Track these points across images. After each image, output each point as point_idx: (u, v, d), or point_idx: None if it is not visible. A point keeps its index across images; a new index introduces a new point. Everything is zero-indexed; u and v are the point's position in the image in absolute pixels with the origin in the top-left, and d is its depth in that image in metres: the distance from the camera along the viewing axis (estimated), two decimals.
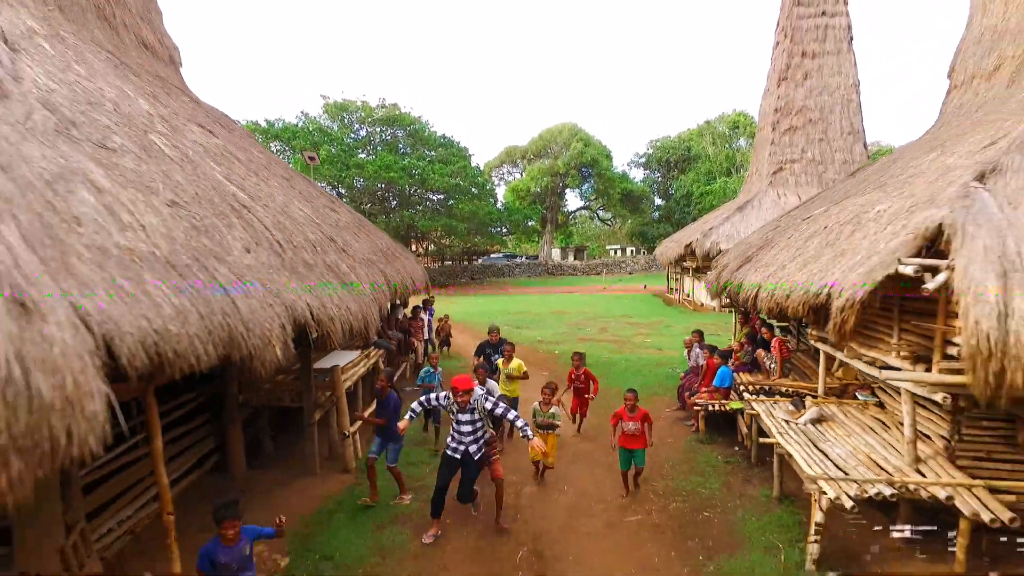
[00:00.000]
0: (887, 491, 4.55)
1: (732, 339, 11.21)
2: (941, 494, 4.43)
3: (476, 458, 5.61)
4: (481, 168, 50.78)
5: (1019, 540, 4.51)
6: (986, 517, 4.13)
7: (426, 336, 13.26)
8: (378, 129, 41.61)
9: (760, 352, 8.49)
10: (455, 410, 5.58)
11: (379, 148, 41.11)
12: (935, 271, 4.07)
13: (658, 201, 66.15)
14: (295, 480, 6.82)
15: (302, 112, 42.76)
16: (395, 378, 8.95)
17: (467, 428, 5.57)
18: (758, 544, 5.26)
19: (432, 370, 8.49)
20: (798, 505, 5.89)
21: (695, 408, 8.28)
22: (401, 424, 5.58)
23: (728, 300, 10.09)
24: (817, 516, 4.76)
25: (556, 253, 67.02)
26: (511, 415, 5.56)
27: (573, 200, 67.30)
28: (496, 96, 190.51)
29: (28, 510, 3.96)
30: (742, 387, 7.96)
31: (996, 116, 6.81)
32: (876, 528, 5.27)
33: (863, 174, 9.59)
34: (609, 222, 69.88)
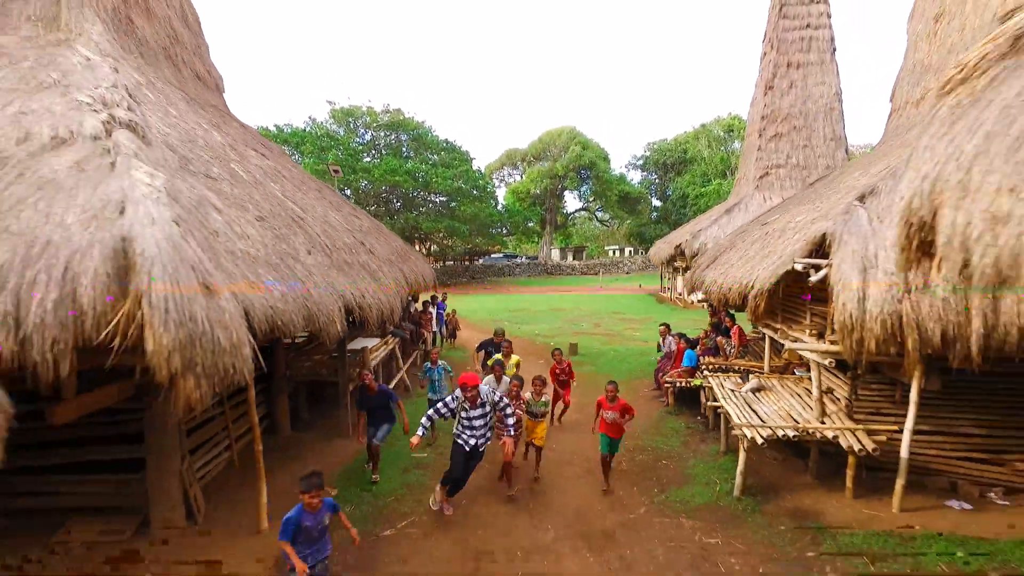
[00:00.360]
0: (791, 433, 6.05)
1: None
2: (830, 435, 5.94)
3: (481, 451, 6.13)
4: (482, 171, 52.33)
5: (884, 475, 6.05)
6: (857, 447, 5.64)
7: (435, 328, 14.77)
8: (383, 133, 43.16)
9: (721, 339, 9.99)
10: (467, 407, 5.93)
11: (384, 152, 42.65)
12: (818, 268, 5.56)
13: (656, 202, 67.57)
14: (332, 440, 8.31)
15: (310, 118, 44.35)
16: (404, 368, 10.36)
17: (479, 422, 5.97)
18: (701, 481, 6.77)
19: (431, 366, 8.53)
20: (738, 456, 7.38)
21: (666, 385, 9.77)
22: (414, 440, 5.72)
23: (702, 295, 11.61)
24: (741, 455, 6.26)
25: (556, 253, 68.46)
26: (510, 418, 6.12)
27: (572, 202, 68.86)
28: (497, 100, 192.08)
29: (158, 443, 5.48)
30: (704, 367, 9.46)
31: (907, 141, 8.30)
32: (792, 470, 6.79)
33: (814, 186, 11.09)
34: (607, 223, 71.30)
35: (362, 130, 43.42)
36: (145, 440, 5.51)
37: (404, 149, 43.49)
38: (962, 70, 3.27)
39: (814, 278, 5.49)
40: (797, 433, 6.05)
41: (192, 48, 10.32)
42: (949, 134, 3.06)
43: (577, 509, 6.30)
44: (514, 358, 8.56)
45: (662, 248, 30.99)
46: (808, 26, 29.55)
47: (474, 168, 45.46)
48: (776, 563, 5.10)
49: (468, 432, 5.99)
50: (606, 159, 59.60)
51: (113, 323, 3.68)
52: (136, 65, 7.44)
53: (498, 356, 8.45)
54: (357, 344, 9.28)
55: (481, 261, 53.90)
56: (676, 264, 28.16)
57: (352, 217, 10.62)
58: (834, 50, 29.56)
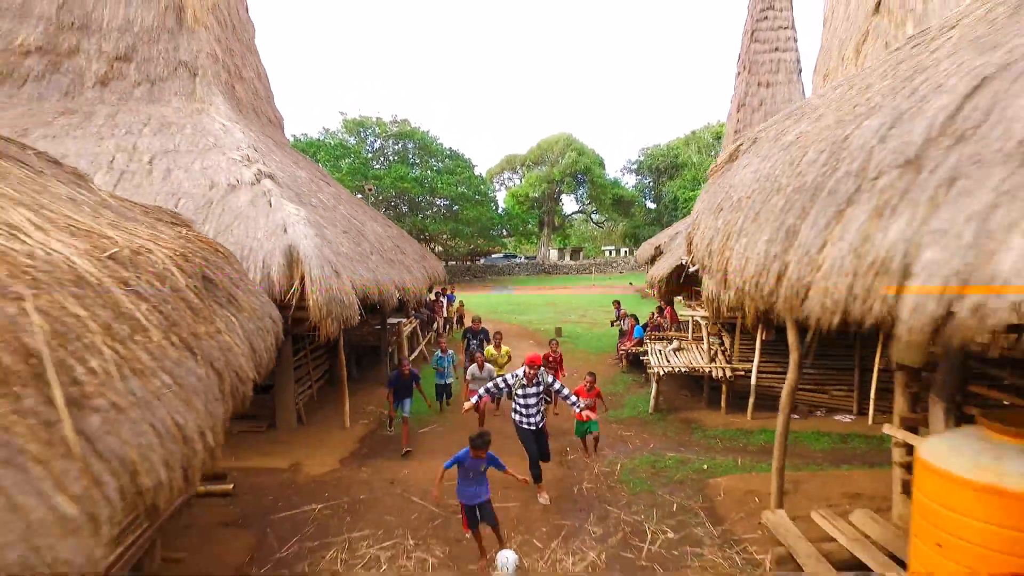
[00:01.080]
0: (683, 369, 9.37)
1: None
2: (707, 370, 9.25)
3: (542, 426, 6.53)
4: (484, 175, 55.71)
5: (747, 400, 9.34)
6: (719, 376, 8.96)
7: (444, 315, 18.09)
8: (391, 142, 46.52)
9: (659, 318, 13.31)
10: (524, 384, 6.32)
11: (392, 159, 46.03)
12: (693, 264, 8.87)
13: (650, 205, 70.74)
14: (376, 388, 11.60)
15: (324, 128, 47.64)
16: (423, 342, 13.64)
17: (533, 400, 6.36)
18: (630, 406, 10.09)
19: (442, 355, 9.49)
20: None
21: (621, 353, 13.06)
22: (467, 406, 6.25)
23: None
24: (654, 386, 9.58)
25: (554, 254, 71.85)
26: (564, 390, 6.56)
27: (569, 204, 72.30)
28: (498, 107, 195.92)
29: (282, 374, 8.78)
30: (647, 339, 12.78)
31: None
32: (693, 400, 10.11)
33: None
34: (603, 225, 74.51)
35: (372, 139, 46.81)
36: (273, 373, 8.82)
37: (411, 156, 46.86)
38: (717, 163, 6.57)
39: (691, 268, 8.80)
40: (686, 369, 9.37)
41: (265, 98, 13.65)
42: (703, 195, 6.33)
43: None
44: (504, 348, 9.63)
45: (646, 249, 34.25)
46: (776, 49, 32.70)
47: (476, 174, 48.86)
48: (664, 442, 8.41)
49: (524, 411, 6.38)
50: (601, 164, 62.85)
51: (290, 292, 7.00)
52: (244, 122, 10.77)
53: (490, 348, 9.53)
54: (392, 320, 12.61)
55: (482, 261, 57.18)
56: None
57: (385, 226, 13.95)
58: (800, 71, 32.79)
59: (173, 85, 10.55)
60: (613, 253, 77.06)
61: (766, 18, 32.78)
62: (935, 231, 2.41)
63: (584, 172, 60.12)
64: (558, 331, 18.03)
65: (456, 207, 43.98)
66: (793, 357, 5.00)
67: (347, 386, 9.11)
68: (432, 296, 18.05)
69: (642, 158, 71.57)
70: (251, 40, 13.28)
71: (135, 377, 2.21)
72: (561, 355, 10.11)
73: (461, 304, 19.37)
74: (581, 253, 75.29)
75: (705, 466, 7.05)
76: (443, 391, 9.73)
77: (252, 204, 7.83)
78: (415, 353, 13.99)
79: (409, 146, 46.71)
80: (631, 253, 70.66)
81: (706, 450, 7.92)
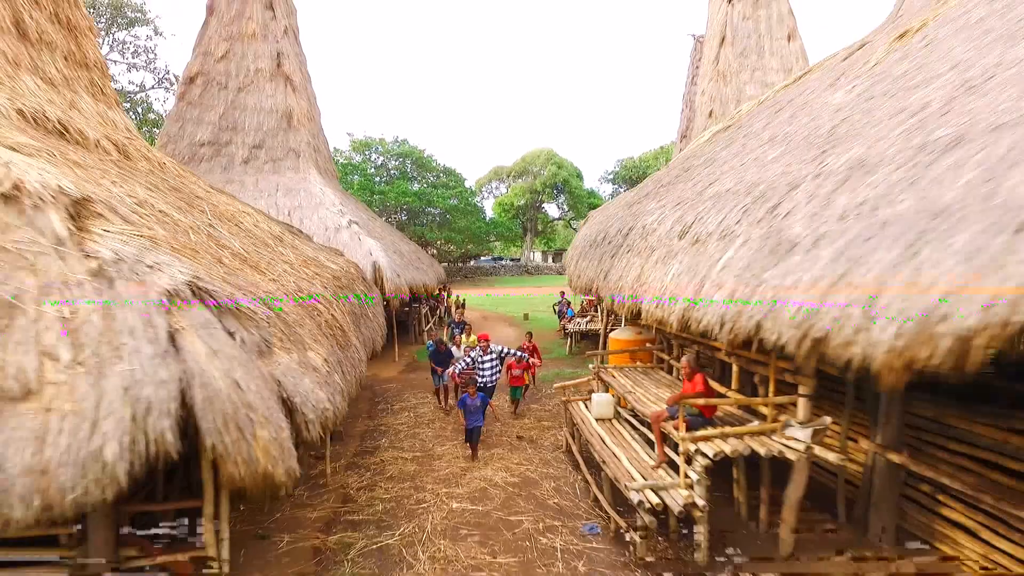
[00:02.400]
0: (584, 328, 16.62)
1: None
2: (587, 328, 16.53)
3: (491, 386, 9.35)
4: (473, 186, 62.89)
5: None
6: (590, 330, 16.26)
7: (445, 304, 25.23)
8: (393, 161, 53.52)
9: (587, 304, 20.57)
10: (481, 354, 9.23)
11: (393, 174, 52.98)
12: None
13: None
14: (407, 343, 18.70)
15: (334, 148, 54.49)
16: (431, 322, 20.78)
17: (488, 366, 9.22)
18: (556, 351, 17.33)
19: (433, 345, 11.29)
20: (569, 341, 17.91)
21: (561, 326, 20.29)
22: (450, 371, 9.40)
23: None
24: (568, 340, 16.81)
25: (538, 256, 79.31)
26: (510, 351, 9.78)
27: (552, 210, 79.79)
28: (487, 119, 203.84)
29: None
30: (576, 316, 19.99)
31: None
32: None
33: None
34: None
35: (375, 156, 53.76)
36: None
37: (409, 171, 53.85)
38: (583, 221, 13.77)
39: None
40: (585, 330, 16.60)
41: (328, 159, 20.73)
42: (576, 236, 13.51)
43: None
44: (473, 337, 12.14)
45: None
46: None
47: (467, 187, 55.96)
48: (569, 365, 15.61)
49: (482, 374, 9.12)
50: (579, 176, 70.28)
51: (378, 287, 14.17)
52: (328, 183, 17.87)
53: (468, 338, 12.54)
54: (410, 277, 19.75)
55: (472, 263, 64.31)
56: None
57: (404, 242, 21.07)
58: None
59: (286, 163, 17.64)
60: None
61: (699, 68, 40.32)
62: (616, 270, 9.67)
63: (563, 183, 67.44)
64: (525, 316, 25.25)
65: (449, 216, 51.03)
66: (603, 318, 12.25)
67: (396, 339, 16.26)
68: (437, 291, 25.24)
69: (617, 169, 79.19)
70: (321, 123, 20.38)
71: (341, 350, 9.34)
72: (536, 344, 12.62)
73: (460, 299, 26.56)
74: (564, 255, 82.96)
75: (572, 372, 14.29)
76: (433, 371, 11.96)
77: (350, 239, 14.94)
78: (426, 328, 21.16)
79: (408, 163, 53.74)
80: None
81: (581, 367, 15.16)
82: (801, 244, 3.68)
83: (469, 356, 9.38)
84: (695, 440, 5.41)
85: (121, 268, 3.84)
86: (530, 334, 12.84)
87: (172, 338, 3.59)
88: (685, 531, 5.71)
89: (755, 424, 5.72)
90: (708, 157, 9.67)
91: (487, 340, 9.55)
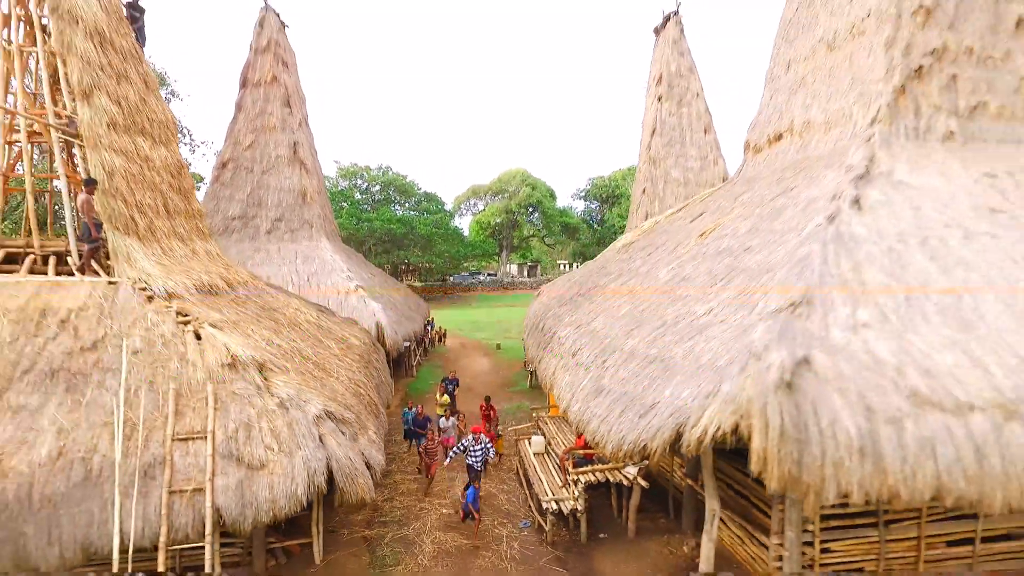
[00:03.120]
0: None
1: None
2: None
3: (482, 468, 11.01)
4: (451, 206, 67.23)
5: None
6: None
7: (428, 336, 29.47)
8: (377, 187, 57.49)
9: None
10: (473, 445, 10.68)
11: (377, 199, 56.91)
12: None
13: (597, 226, 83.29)
14: (401, 377, 22.92)
15: (325, 177, 58.20)
16: (418, 355, 25.05)
17: (478, 455, 10.73)
18: (520, 384, 21.77)
19: (407, 410, 13.94)
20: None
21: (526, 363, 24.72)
22: (446, 462, 11.25)
23: None
24: (529, 375, 21.28)
25: (514, 268, 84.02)
26: (490, 450, 10.99)
27: (527, 226, 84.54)
28: (465, 135, 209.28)
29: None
30: None
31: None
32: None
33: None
34: (553, 246, 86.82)
35: (360, 182, 57.63)
36: None
37: (392, 195, 57.86)
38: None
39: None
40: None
41: (331, 221, 24.81)
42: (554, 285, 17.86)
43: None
44: (445, 398, 15.55)
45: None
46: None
47: (446, 210, 60.18)
48: (529, 398, 20.02)
49: (472, 460, 10.76)
50: (552, 196, 75.05)
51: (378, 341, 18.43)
52: (337, 249, 22.01)
53: (442, 398, 15.67)
54: (406, 343, 24.01)
55: (451, 279, 68.55)
56: None
57: (398, 289, 25.26)
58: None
59: (302, 232, 21.72)
60: (565, 266, 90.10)
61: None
62: (543, 361, 14.10)
63: (537, 203, 72.09)
64: (498, 346, 29.66)
65: (430, 239, 55.20)
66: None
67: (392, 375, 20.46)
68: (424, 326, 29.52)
69: (589, 187, 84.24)
70: (327, 194, 24.47)
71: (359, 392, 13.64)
72: (493, 408, 14.80)
73: (442, 331, 30.86)
74: (538, 267, 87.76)
75: (530, 406, 18.73)
76: (411, 435, 13.89)
77: (357, 302, 19.11)
78: (416, 358, 25.39)
79: (391, 189, 57.77)
80: (578, 265, 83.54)
81: (538, 400, 19.63)
82: (605, 390, 8.15)
83: (462, 444, 11.02)
84: (576, 473, 9.88)
85: (292, 401, 8.12)
86: (488, 398, 14.92)
87: (320, 438, 7.90)
88: (576, 523, 10.15)
89: (610, 464, 10.21)
90: (611, 272, 14.16)
91: (479, 432, 11.19)
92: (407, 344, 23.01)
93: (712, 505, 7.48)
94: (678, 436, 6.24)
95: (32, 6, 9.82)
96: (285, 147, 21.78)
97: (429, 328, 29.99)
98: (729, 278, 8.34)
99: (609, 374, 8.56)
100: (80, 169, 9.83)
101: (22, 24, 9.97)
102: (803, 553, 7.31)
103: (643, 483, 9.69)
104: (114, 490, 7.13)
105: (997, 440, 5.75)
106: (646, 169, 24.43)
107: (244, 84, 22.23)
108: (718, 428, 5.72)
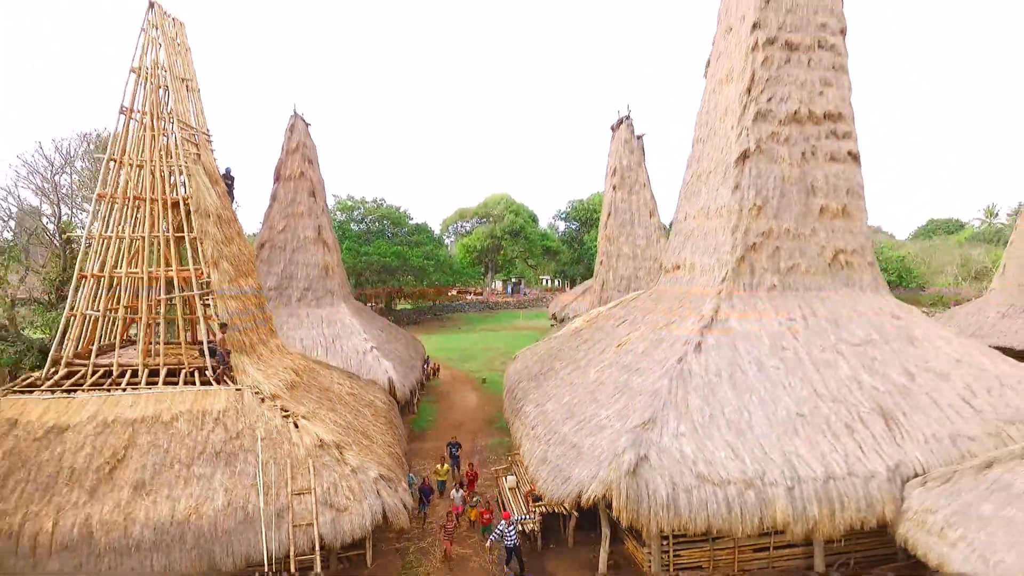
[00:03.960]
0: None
1: None
2: None
3: (516, 546, 13.15)
4: (439, 230, 72.53)
5: None
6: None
7: (425, 372, 34.72)
8: (371, 219, 62.51)
9: None
10: (507, 528, 13.01)
11: (372, 230, 61.87)
12: None
13: (577, 247, 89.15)
14: (407, 415, 28.14)
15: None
16: (418, 392, 30.39)
17: (512, 534, 12.93)
18: (500, 421, 27.18)
19: (418, 481, 16.84)
20: None
21: None
22: (488, 544, 14.44)
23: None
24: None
25: (499, 285, 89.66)
26: (509, 534, 13.10)
27: (510, 249, 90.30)
28: (449, 155, 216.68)
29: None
30: None
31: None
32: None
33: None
34: (536, 267, 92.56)
35: (356, 214, 62.57)
36: None
37: (385, 226, 62.88)
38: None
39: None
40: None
41: (346, 285, 29.97)
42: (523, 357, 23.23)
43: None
44: (445, 467, 18.97)
45: (562, 298, 51.88)
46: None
47: (435, 237, 65.39)
48: (508, 435, 25.37)
49: (508, 539, 13.05)
50: (534, 220, 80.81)
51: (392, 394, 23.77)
52: (355, 312, 27.22)
53: (440, 467, 19.21)
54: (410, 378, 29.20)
55: (439, 300, 73.73)
56: None
57: (400, 339, 30.47)
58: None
59: (325, 300, 26.90)
60: (547, 282, 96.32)
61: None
62: (516, 424, 19.57)
63: (520, 230, 77.71)
64: (483, 380, 35.00)
65: (423, 269, 60.34)
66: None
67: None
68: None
69: (569, 209, 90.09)
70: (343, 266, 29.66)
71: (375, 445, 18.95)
72: (476, 471, 18.91)
73: (435, 364, 36.13)
74: (522, 283, 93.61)
75: (509, 442, 24.11)
76: (425, 504, 16.76)
77: (373, 360, 24.33)
78: (416, 396, 30.59)
79: (385, 221, 62.82)
80: (561, 284, 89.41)
81: None
82: (548, 460, 13.58)
83: (499, 530, 13.49)
84: (533, 504, 15.32)
85: (360, 468, 13.43)
86: (472, 464, 19.20)
87: (378, 491, 13.24)
88: (535, 538, 15.53)
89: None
90: (563, 358, 19.67)
91: (508, 518, 13.62)
92: (411, 391, 28.27)
93: (605, 531, 12.96)
94: (579, 496, 11.72)
95: (181, 206, 15.01)
96: (311, 229, 26.79)
97: (426, 365, 35.30)
98: (622, 392, 13.86)
99: (551, 450, 14.00)
100: (213, 313, 15.04)
101: (170, 214, 15.16)
102: (662, 558, 12.82)
103: (575, 513, 15.17)
104: (261, 525, 12.37)
105: (739, 500, 11.31)
106: (603, 245, 30.03)
107: (277, 178, 27.24)
108: (597, 495, 11.22)
